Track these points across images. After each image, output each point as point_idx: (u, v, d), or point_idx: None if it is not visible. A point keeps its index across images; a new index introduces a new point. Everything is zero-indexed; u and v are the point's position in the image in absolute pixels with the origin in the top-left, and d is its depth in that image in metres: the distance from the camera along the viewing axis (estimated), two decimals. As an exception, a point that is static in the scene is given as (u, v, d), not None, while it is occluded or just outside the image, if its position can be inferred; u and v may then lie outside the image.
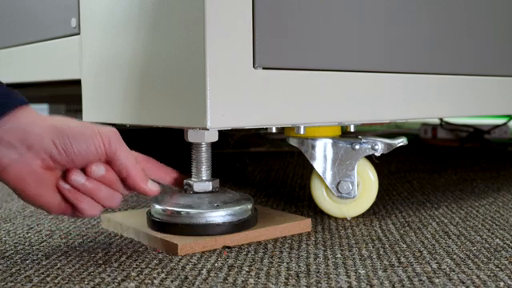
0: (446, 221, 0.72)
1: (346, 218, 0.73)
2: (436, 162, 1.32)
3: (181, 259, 0.56)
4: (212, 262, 0.55)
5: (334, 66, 0.65)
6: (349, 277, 0.51)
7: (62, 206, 0.53)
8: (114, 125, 0.69)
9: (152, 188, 0.56)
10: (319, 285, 0.49)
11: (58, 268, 0.53)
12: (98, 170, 0.53)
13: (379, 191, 0.75)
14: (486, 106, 0.85)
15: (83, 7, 0.72)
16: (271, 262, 0.55)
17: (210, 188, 0.64)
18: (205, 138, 0.60)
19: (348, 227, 0.69)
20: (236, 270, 0.53)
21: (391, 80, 0.71)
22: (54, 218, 0.74)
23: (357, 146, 0.70)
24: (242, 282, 0.49)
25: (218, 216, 0.61)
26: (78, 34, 0.73)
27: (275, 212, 0.72)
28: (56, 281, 0.49)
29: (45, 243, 0.62)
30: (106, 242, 0.62)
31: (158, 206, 0.62)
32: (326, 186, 0.72)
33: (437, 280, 0.50)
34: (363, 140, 0.71)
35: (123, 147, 0.54)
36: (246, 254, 0.57)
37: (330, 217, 0.74)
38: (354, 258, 0.56)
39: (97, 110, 0.70)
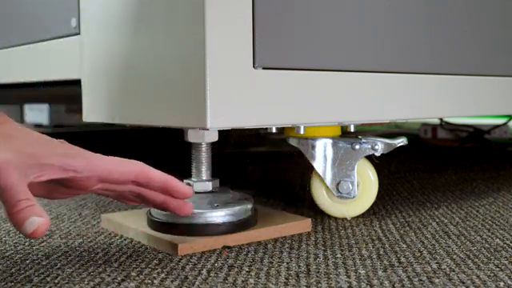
0: (446, 221, 0.72)
1: (345, 218, 0.73)
2: (436, 162, 1.32)
3: (181, 259, 0.56)
4: (212, 262, 0.55)
5: (334, 65, 0.65)
6: (349, 277, 0.51)
7: None
8: (113, 125, 0.69)
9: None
10: (319, 285, 0.49)
11: (58, 268, 0.53)
12: None
13: (379, 191, 0.75)
14: (486, 106, 0.85)
15: (83, 7, 0.72)
16: (271, 262, 0.55)
17: (210, 188, 0.64)
18: (205, 138, 0.60)
19: (348, 227, 0.69)
20: (236, 270, 0.53)
21: (391, 80, 0.71)
22: (54, 217, 0.74)
23: (357, 146, 0.70)
24: (242, 281, 0.49)
25: (218, 216, 0.61)
26: (78, 33, 0.73)
27: (275, 212, 0.72)
28: (56, 281, 0.49)
29: (45, 243, 0.62)
30: (105, 242, 0.62)
31: (158, 206, 0.62)
32: (326, 186, 0.72)
33: (437, 280, 0.50)
34: (363, 140, 0.71)
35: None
36: (246, 254, 0.57)
37: (330, 217, 0.74)
38: (354, 258, 0.56)
39: (97, 109, 0.70)
